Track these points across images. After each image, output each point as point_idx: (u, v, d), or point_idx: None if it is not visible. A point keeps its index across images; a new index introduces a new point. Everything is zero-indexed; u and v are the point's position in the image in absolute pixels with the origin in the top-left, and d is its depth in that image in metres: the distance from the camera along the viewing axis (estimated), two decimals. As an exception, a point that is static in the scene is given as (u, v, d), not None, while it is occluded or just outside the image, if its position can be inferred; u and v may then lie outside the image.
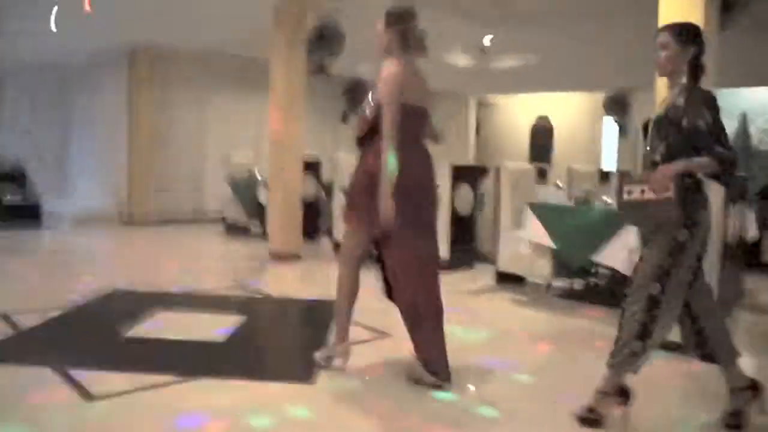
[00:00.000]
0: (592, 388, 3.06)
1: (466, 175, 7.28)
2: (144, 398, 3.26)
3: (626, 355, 2.95)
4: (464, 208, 7.25)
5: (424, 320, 3.46)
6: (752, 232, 6.46)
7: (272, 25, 7.38)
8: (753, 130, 12.60)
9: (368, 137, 3.49)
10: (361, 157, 3.58)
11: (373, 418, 3.12)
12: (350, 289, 3.62)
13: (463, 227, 7.20)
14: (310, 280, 6.63)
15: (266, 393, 3.38)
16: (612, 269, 5.37)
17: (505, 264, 6.33)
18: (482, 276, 6.70)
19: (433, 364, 3.44)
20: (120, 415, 3.06)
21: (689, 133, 2.87)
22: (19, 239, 9.02)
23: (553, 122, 16.24)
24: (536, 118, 16.43)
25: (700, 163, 2.85)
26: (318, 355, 3.71)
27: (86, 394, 3.23)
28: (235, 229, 9.79)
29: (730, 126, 12.27)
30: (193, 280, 6.32)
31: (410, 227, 3.40)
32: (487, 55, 12.51)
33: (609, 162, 14.80)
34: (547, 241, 5.69)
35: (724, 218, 4.90)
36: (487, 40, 10.02)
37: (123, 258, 8.09)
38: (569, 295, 5.93)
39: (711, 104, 2.89)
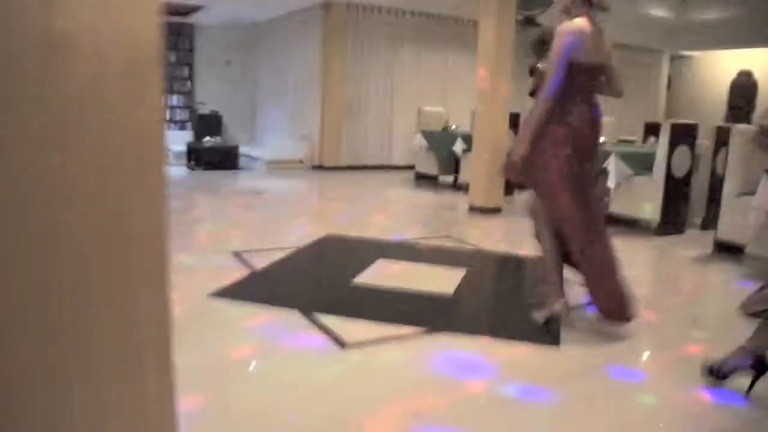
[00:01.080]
0: None
1: (685, 134, 6.71)
2: (393, 347, 3.26)
3: None
4: (680, 169, 6.71)
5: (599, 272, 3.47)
6: None
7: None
8: None
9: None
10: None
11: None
12: (552, 245, 3.56)
13: (677, 190, 6.69)
14: (516, 234, 6.45)
15: (516, 353, 3.27)
16: None
17: (727, 233, 5.82)
18: (695, 243, 6.22)
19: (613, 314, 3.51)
20: (377, 364, 3.09)
21: None
22: (225, 181, 9.57)
23: (758, 78, 14.52)
24: (737, 74, 14.72)
25: None
26: (537, 315, 3.63)
27: (340, 342, 3.27)
28: (424, 179, 9.83)
29: None
30: (400, 228, 6.37)
31: (571, 179, 3.40)
32: (687, 5, 11.55)
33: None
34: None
35: None
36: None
37: (325, 202, 8.31)
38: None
39: None
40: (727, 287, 5.00)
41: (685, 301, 4.61)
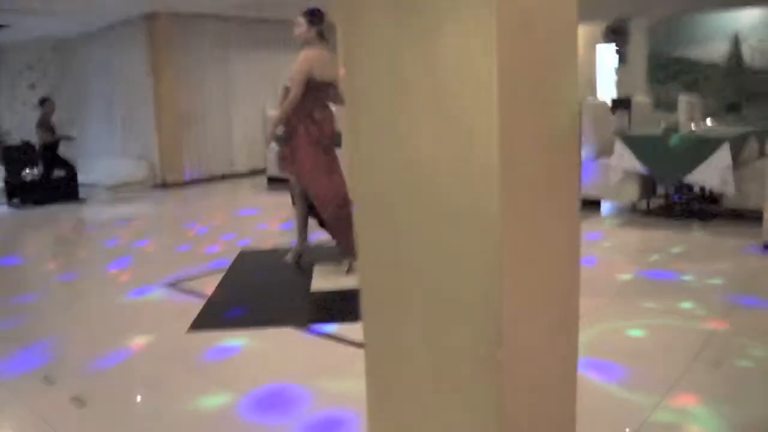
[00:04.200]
0: None
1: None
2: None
3: None
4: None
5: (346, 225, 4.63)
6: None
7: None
8: (745, 48, 13.13)
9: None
10: None
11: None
12: (302, 210, 5.09)
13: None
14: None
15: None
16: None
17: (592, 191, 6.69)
18: None
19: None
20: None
21: None
22: (77, 215, 8.90)
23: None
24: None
25: None
26: (287, 257, 5.16)
27: (360, 344, 3.40)
28: (277, 183, 9.80)
29: (723, 47, 12.86)
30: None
31: (322, 166, 4.72)
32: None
33: (606, 90, 15.17)
34: (639, 167, 6.11)
35: None
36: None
37: (203, 218, 7.93)
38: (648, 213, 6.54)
39: None
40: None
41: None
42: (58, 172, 10.10)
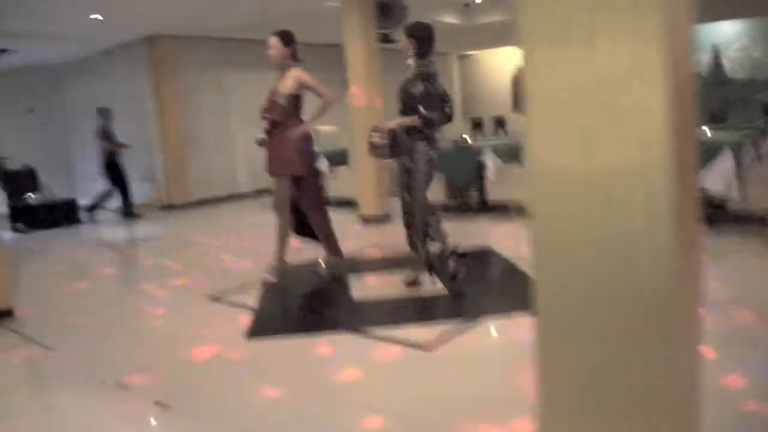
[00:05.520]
0: None
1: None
2: (461, 340, 3.71)
3: None
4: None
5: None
6: None
7: (343, 5, 7.74)
8: (724, 60, 13.62)
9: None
10: None
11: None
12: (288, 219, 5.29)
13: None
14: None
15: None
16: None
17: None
18: None
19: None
20: (473, 353, 3.54)
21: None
22: (89, 236, 9.00)
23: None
24: (516, 67, 16.76)
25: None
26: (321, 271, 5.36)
27: (419, 346, 3.62)
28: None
29: (704, 58, 13.34)
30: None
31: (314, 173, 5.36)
32: (470, 10, 13.02)
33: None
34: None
35: None
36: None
37: (224, 236, 8.11)
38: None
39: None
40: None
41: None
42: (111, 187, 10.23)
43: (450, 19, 12.96)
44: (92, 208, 10.25)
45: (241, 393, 3.20)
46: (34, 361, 3.96)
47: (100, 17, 8.88)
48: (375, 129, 4.68)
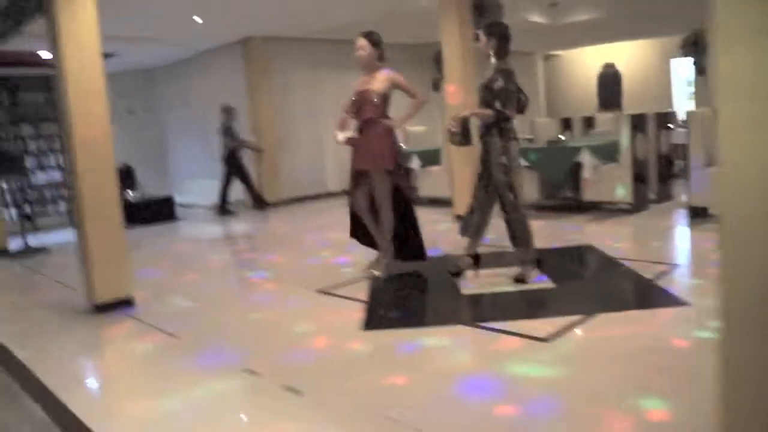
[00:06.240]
0: None
1: (641, 122, 7.69)
2: (579, 333, 3.72)
3: None
4: (641, 153, 7.64)
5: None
6: None
7: (440, 4, 7.76)
8: None
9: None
10: None
11: None
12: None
13: (640, 172, 7.59)
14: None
15: (654, 320, 3.82)
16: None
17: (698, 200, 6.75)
18: (667, 214, 7.37)
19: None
20: (595, 343, 3.53)
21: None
22: (190, 232, 9.34)
23: (620, 68, 16.38)
24: (602, 66, 16.54)
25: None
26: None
27: (536, 338, 3.62)
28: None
29: None
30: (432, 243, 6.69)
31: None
32: (556, 10, 12.84)
33: (681, 102, 15.18)
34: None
35: None
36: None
37: (320, 233, 8.19)
38: None
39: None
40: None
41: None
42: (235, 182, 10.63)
43: (537, 18, 12.84)
44: (222, 206, 10.59)
45: (369, 380, 3.27)
46: (164, 347, 4.13)
47: (199, 20, 9.21)
48: (453, 118, 4.99)
